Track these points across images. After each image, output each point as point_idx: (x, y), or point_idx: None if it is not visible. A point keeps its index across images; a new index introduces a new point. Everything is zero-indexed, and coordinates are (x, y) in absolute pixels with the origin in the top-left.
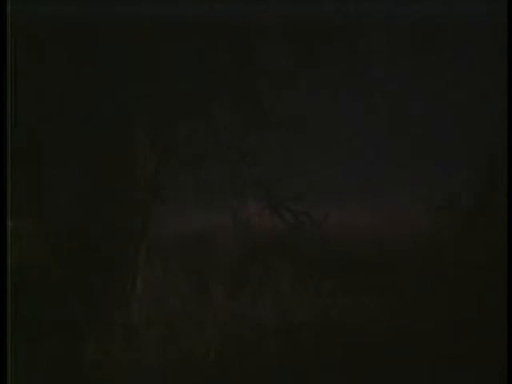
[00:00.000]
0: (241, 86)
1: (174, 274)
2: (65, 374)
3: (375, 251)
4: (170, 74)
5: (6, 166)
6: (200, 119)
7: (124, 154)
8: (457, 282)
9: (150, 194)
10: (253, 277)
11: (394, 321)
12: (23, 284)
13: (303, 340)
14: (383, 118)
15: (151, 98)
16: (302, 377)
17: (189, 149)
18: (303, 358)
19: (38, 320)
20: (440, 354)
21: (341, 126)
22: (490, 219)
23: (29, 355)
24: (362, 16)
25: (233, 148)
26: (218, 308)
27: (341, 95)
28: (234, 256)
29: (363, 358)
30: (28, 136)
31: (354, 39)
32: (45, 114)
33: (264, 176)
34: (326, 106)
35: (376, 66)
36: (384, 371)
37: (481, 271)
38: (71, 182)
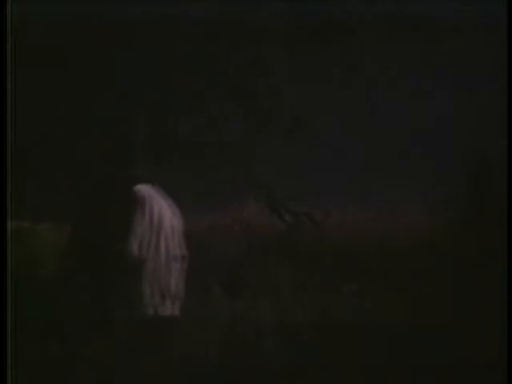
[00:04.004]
0: (241, 85)
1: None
2: (65, 373)
3: (375, 251)
4: (170, 74)
5: (6, 165)
6: (200, 119)
7: (124, 154)
8: (456, 282)
9: None
10: (253, 277)
11: (394, 321)
12: (23, 284)
13: (303, 340)
14: (383, 117)
15: (151, 98)
16: (302, 377)
17: (189, 148)
18: (303, 357)
19: (38, 320)
20: (440, 354)
21: (341, 126)
22: (490, 219)
23: (29, 355)
24: (361, 15)
25: (233, 148)
26: (218, 308)
27: (341, 95)
28: (234, 256)
29: (363, 358)
30: (28, 136)
31: (353, 39)
32: (45, 113)
33: (264, 176)
34: (327, 106)
35: (377, 66)
36: (384, 371)
37: (481, 271)
38: (71, 181)
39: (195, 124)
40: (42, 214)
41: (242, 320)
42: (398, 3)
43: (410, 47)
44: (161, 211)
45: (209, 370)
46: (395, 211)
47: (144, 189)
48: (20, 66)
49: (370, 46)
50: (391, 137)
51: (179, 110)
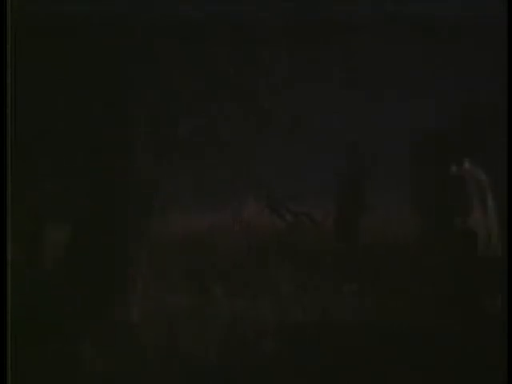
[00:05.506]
0: (241, 85)
1: (174, 273)
2: (64, 373)
3: (375, 251)
4: (170, 74)
5: (6, 164)
6: (200, 119)
7: (124, 154)
8: (456, 282)
9: (150, 194)
10: (253, 277)
11: (393, 321)
12: (23, 283)
13: (303, 340)
14: (384, 118)
15: (151, 98)
16: (302, 377)
17: (189, 149)
18: (303, 357)
19: (39, 320)
20: (440, 354)
21: (341, 126)
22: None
23: (29, 355)
24: (361, 16)
25: (233, 148)
26: (218, 308)
27: (341, 95)
28: (234, 256)
29: (363, 358)
30: (28, 134)
31: (353, 39)
32: (45, 112)
33: (264, 176)
34: (327, 106)
35: (377, 66)
36: (384, 371)
37: (481, 271)
38: (71, 182)
39: (195, 124)
40: (42, 215)
41: (242, 320)
42: (398, 3)
43: (410, 47)
44: None
45: (209, 369)
46: (395, 211)
47: None
48: (20, 60)
49: (370, 45)
50: (391, 137)
51: (179, 110)
